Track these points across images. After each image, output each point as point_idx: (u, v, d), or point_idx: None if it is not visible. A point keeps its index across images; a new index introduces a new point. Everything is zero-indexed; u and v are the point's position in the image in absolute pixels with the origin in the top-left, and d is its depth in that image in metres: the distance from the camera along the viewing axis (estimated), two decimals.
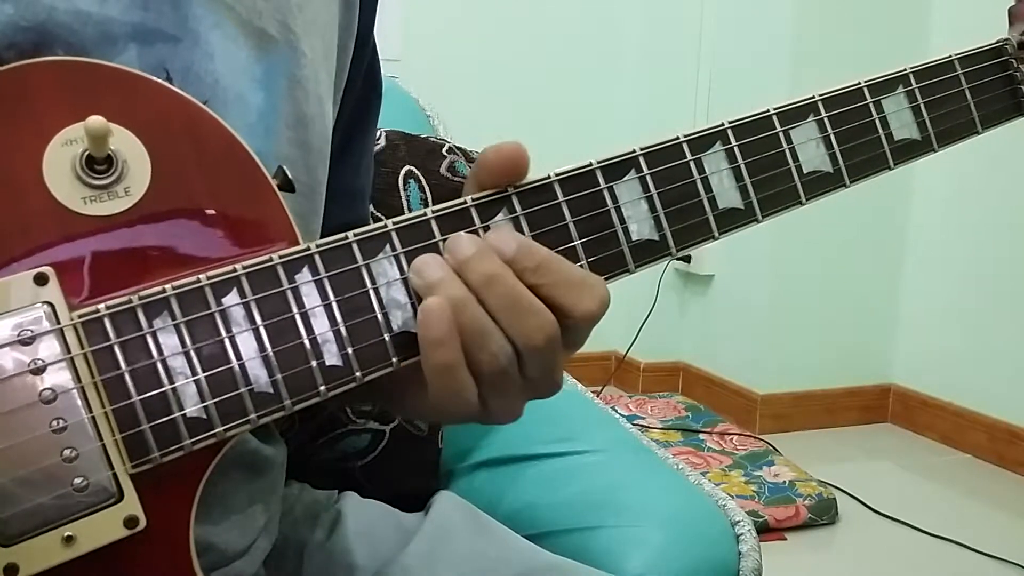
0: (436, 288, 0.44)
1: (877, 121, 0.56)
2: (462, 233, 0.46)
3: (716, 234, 0.52)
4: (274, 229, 0.45)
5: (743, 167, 0.52)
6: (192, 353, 0.41)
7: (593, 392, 1.12)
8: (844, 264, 2.62)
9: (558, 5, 2.74)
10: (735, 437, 2.41)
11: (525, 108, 2.71)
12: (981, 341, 2.45)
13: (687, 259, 2.75)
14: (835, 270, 2.60)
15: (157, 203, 0.43)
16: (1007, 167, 2.31)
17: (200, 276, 0.42)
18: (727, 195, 0.52)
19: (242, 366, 0.42)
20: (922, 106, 0.58)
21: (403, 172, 0.97)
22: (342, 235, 0.45)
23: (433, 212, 0.46)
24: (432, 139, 1.05)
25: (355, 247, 0.44)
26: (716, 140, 0.52)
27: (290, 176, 0.47)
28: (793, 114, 0.54)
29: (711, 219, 0.51)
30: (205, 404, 0.41)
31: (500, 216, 0.47)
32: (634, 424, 1.13)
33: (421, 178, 0.97)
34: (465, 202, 0.47)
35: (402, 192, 0.96)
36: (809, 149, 0.54)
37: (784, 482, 2.11)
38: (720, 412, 2.59)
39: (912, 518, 2.04)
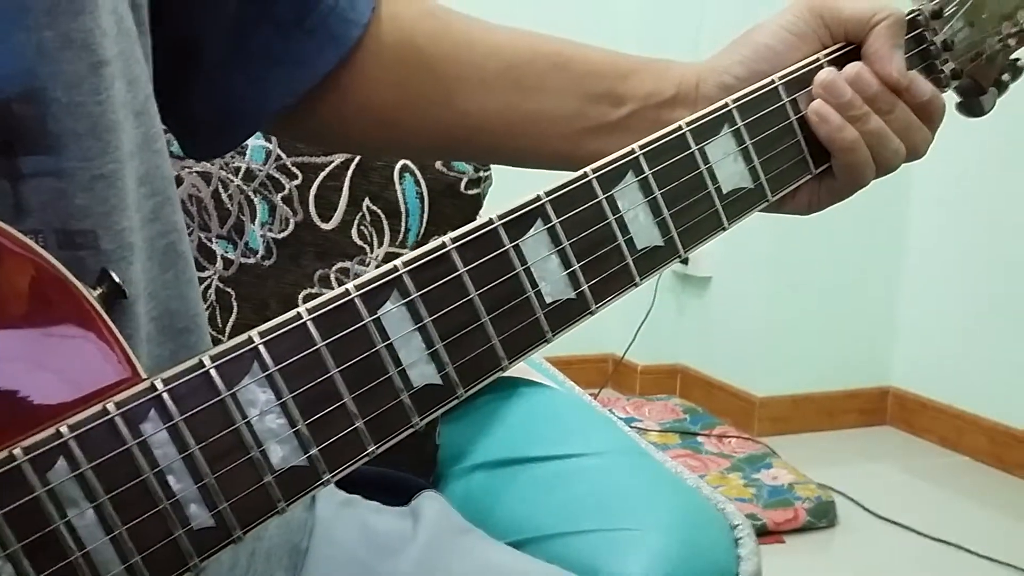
0: (847, 107, 0.54)
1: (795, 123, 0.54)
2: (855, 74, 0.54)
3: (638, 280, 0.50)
4: (105, 365, 0.38)
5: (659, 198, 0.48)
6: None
7: (590, 394, 1.11)
8: (842, 266, 2.61)
9: (558, 4, 2.74)
10: (733, 440, 2.41)
11: None
12: (980, 343, 2.44)
13: (685, 261, 2.74)
14: (833, 272, 2.60)
15: None
16: (1006, 169, 2.31)
17: (16, 450, 0.35)
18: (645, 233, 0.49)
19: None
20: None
21: (398, 167, 0.96)
22: (196, 360, 0.38)
23: (261, 336, 0.39)
24: None
25: (213, 372, 0.38)
26: (628, 170, 0.47)
27: (118, 280, 0.39)
28: (706, 128, 0.50)
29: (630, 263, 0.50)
30: None
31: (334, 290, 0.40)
32: (631, 426, 1.13)
33: (416, 172, 0.97)
34: (299, 316, 0.39)
35: (397, 186, 0.96)
36: (727, 165, 0.50)
37: (783, 485, 2.11)
38: (718, 414, 2.58)
39: (911, 521, 2.04)
